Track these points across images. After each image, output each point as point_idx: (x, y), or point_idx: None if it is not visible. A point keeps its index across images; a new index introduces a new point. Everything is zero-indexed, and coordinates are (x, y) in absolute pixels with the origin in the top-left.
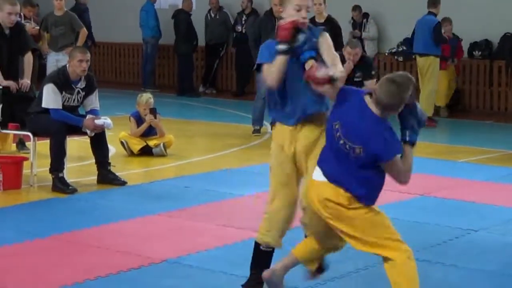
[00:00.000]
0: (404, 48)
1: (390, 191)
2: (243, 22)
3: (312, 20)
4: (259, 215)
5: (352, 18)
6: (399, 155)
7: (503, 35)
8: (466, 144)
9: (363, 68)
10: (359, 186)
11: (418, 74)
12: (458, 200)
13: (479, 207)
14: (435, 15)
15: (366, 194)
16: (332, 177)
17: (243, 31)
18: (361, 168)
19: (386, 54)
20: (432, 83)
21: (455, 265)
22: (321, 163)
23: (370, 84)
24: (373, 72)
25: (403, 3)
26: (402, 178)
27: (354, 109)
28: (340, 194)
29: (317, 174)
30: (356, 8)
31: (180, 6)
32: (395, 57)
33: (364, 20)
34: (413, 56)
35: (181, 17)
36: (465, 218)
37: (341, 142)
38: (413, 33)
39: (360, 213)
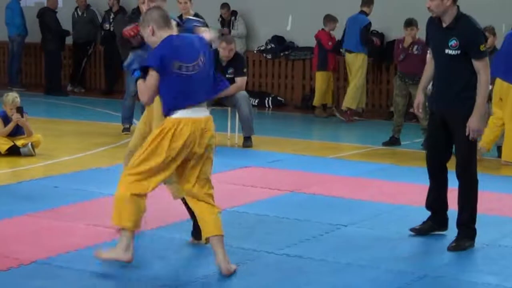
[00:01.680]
0: (273, 45)
1: (260, 188)
2: (111, 20)
3: (180, 18)
4: None
5: (221, 16)
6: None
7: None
8: (333, 140)
9: (235, 64)
10: None
11: (346, 69)
12: (327, 196)
13: (348, 202)
14: (367, 14)
15: None
16: None
17: (111, 29)
18: None
19: (255, 51)
20: (358, 78)
21: (325, 259)
22: None
23: (241, 80)
24: (244, 70)
25: (271, 1)
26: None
27: None
28: None
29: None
30: (225, 5)
31: (45, 4)
32: (264, 54)
33: (233, 18)
34: (342, 52)
35: (47, 15)
36: (335, 213)
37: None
38: (344, 29)
39: None
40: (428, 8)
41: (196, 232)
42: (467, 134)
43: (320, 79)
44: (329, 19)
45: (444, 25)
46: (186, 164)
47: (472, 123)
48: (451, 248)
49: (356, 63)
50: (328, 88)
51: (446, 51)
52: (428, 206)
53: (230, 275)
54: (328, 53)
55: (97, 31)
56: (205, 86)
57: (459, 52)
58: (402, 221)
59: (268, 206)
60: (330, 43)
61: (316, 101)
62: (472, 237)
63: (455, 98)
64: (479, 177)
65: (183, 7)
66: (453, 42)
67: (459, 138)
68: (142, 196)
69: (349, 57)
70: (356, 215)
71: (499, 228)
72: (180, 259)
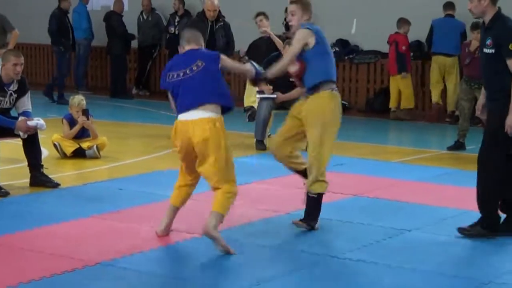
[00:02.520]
0: (337, 49)
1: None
2: (176, 23)
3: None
4: (193, 217)
5: (285, 19)
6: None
7: None
8: (398, 145)
9: None
10: None
11: (440, 72)
12: (391, 200)
13: (412, 207)
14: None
15: None
16: None
17: (176, 33)
18: None
19: None
20: (456, 80)
21: (388, 264)
22: None
23: None
24: None
25: (336, 4)
26: None
27: None
28: None
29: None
30: None
31: (112, 8)
32: None
33: None
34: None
35: (113, 19)
36: (398, 218)
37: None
38: (430, 33)
39: None
40: (470, 10)
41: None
42: (505, 131)
43: (404, 82)
44: (404, 21)
45: (485, 25)
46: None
47: (509, 120)
48: None
49: (455, 66)
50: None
51: (484, 50)
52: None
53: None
54: (407, 56)
55: (162, 35)
56: (198, 91)
57: (493, 51)
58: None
59: (331, 210)
60: (404, 47)
61: (403, 105)
62: None
63: (493, 97)
64: None
65: (263, 24)
66: (488, 41)
67: None
68: None
69: (446, 60)
70: (420, 219)
71: None
72: (243, 262)
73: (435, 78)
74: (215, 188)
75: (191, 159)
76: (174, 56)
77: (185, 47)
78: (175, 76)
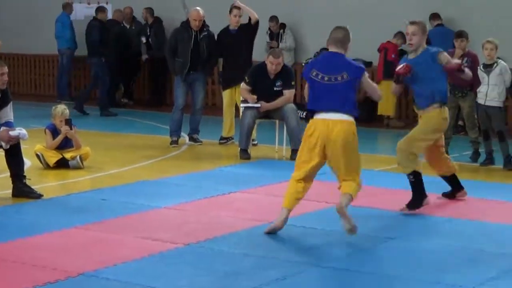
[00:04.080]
0: None
1: (308, 200)
2: (149, 33)
3: (226, 29)
4: (176, 226)
5: (269, 28)
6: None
7: None
8: (382, 153)
9: (284, 77)
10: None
11: None
12: (375, 208)
13: (396, 215)
14: None
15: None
16: None
17: (150, 42)
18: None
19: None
20: None
21: (373, 272)
22: None
23: (289, 93)
24: (292, 83)
25: (320, 13)
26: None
27: None
28: None
29: None
30: (273, 18)
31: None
32: None
33: (281, 31)
34: None
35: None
36: (382, 226)
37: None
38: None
39: None
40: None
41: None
42: None
43: (387, 89)
44: (401, 35)
45: None
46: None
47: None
48: None
49: None
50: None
51: None
52: None
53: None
54: (395, 64)
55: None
56: (337, 99)
57: None
58: (453, 234)
59: (315, 219)
60: (393, 55)
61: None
62: None
63: None
64: None
65: (238, 20)
66: None
67: None
68: None
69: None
70: (404, 227)
71: None
72: (229, 272)
73: None
74: (344, 180)
75: (323, 154)
76: (322, 53)
77: (330, 47)
78: (319, 77)
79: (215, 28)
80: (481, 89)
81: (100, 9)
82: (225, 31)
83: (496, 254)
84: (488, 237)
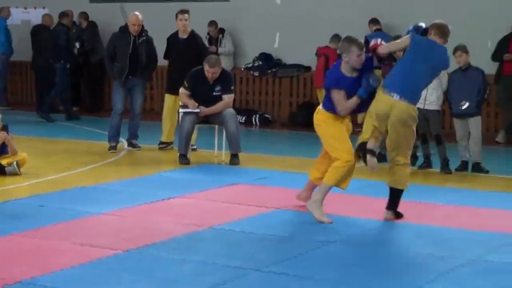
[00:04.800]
0: (260, 63)
1: (247, 205)
2: (84, 37)
3: (175, 35)
4: (115, 232)
5: (208, 33)
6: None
7: None
8: None
9: (223, 82)
10: None
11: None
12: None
13: (335, 219)
14: None
15: None
16: None
17: (84, 46)
18: None
19: (243, 69)
20: None
21: (311, 277)
22: None
23: (228, 98)
24: (231, 87)
25: (259, 18)
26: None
27: None
28: None
29: None
30: (212, 23)
31: (33, 22)
32: (251, 72)
33: (220, 36)
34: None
35: (42, 33)
36: (321, 230)
37: None
38: None
39: None
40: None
41: None
42: None
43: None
44: (337, 37)
45: None
46: None
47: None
48: None
49: None
50: None
51: None
52: None
53: None
54: None
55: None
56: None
57: None
58: (391, 238)
59: (255, 223)
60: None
61: None
62: None
63: None
64: None
65: (183, 25)
66: None
67: None
68: None
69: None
70: (343, 231)
71: None
72: (168, 278)
73: None
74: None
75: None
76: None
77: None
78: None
79: (154, 34)
80: None
81: (65, 14)
82: (175, 36)
83: (434, 257)
84: (426, 240)
